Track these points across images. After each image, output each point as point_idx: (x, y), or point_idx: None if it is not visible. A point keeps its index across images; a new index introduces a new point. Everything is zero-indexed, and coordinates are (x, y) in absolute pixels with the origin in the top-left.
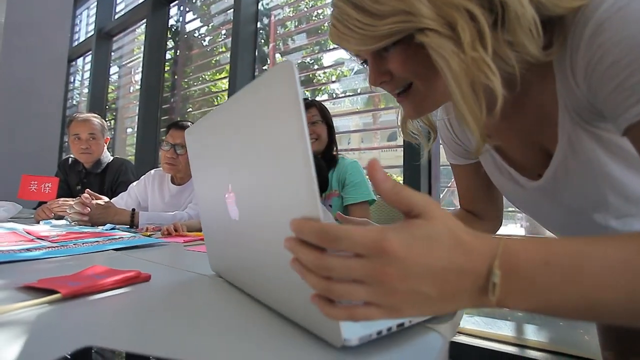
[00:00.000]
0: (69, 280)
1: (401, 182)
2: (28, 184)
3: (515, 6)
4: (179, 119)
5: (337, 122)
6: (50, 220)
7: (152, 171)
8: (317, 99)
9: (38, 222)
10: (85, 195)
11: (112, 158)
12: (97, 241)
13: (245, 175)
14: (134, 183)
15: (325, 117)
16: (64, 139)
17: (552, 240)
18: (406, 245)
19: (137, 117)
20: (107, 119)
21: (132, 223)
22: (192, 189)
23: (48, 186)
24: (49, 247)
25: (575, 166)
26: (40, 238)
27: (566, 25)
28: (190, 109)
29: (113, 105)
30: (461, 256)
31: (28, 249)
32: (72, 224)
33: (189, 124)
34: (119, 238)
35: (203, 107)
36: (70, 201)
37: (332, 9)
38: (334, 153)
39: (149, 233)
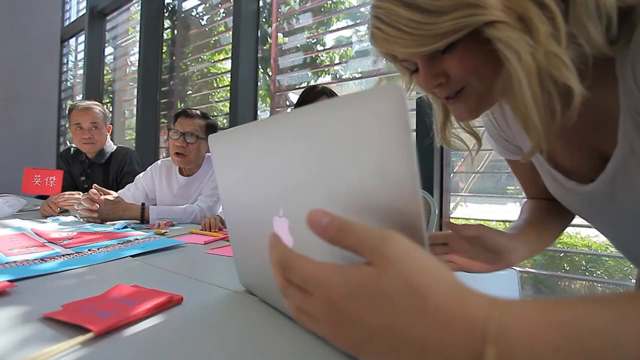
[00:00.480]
0: (97, 309)
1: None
2: (31, 177)
3: None
4: (183, 106)
5: None
6: (58, 217)
7: (159, 162)
8: (321, 81)
9: (45, 217)
10: (93, 190)
11: (115, 147)
12: (111, 245)
13: (313, 203)
14: (141, 174)
15: None
16: (61, 122)
17: (565, 311)
18: (350, 298)
19: (135, 100)
20: (104, 102)
21: (142, 218)
22: (201, 180)
23: (52, 179)
24: (64, 255)
25: (636, 168)
26: (52, 241)
27: (633, 22)
28: (190, 92)
29: (109, 88)
30: (426, 327)
31: (42, 259)
32: (81, 220)
33: (198, 112)
34: (134, 240)
35: (203, 90)
36: (76, 194)
37: (371, 10)
38: None
39: (162, 230)
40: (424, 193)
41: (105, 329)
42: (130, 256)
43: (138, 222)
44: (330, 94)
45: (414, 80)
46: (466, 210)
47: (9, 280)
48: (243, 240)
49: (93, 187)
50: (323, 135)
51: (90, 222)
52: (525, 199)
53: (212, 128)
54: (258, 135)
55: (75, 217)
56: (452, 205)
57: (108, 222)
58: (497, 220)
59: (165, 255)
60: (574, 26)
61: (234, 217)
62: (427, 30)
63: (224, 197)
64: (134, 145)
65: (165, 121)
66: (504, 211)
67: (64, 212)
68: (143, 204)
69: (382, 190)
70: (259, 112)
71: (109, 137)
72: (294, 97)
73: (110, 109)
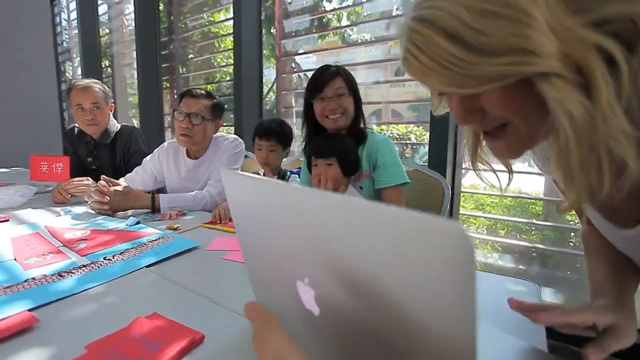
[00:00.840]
0: (122, 354)
1: (427, 137)
2: (38, 164)
3: None
4: (184, 71)
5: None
6: (70, 209)
7: (165, 144)
8: (328, 44)
9: (57, 204)
10: (102, 182)
11: (119, 126)
12: (126, 251)
13: (352, 295)
14: (148, 157)
15: (352, 87)
16: (62, 86)
17: None
18: None
19: (135, 63)
20: (104, 67)
21: (153, 208)
22: (209, 162)
23: (60, 166)
24: (80, 268)
25: None
26: (66, 244)
27: None
28: (192, 55)
29: (108, 51)
30: None
31: (59, 274)
32: (93, 212)
33: (203, 92)
34: (148, 243)
35: (205, 53)
36: (85, 180)
37: (405, 30)
38: (362, 127)
39: (174, 225)
40: (435, 174)
41: None
42: (146, 266)
43: (149, 211)
44: (345, 74)
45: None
46: (475, 181)
47: (30, 309)
48: (263, 284)
49: (101, 178)
50: (381, 238)
51: (102, 214)
52: (582, 227)
53: (218, 108)
54: (289, 197)
55: (87, 207)
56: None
57: (119, 213)
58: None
59: (179, 262)
60: None
61: (250, 250)
62: (470, 70)
63: (238, 226)
64: (139, 112)
65: (168, 85)
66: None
67: (72, 196)
68: (153, 193)
69: (432, 318)
70: (264, 72)
71: (111, 115)
72: (301, 62)
73: (110, 72)
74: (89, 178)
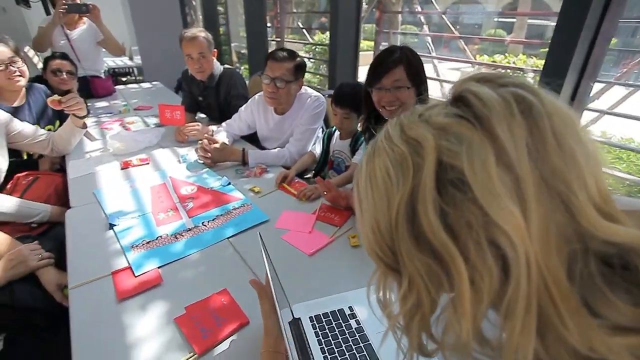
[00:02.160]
0: (200, 324)
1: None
2: (163, 111)
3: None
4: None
5: None
6: (186, 156)
7: (256, 96)
8: None
9: (179, 142)
10: (205, 142)
11: (222, 69)
12: (217, 217)
13: None
14: (243, 108)
15: (415, 78)
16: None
17: None
18: None
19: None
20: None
21: (243, 161)
22: (292, 118)
23: (177, 113)
24: (187, 231)
25: None
26: (181, 200)
27: None
28: None
29: None
30: None
31: (175, 236)
32: (200, 161)
33: (285, 54)
34: (232, 210)
35: None
36: (196, 126)
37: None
38: None
39: (257, 189)
40: None
41: (202, 351)
42: (228, 238)
43: (240, 164)
44: (408, 63)
45: None
46: None
47: (158, 267)
48: None
49: (205, 137)
50: None
51: (207, 166)
52: None
53: (300, 68)
54: None
55: (198, 160)
56: None
57: (218, 163)
58: None
59: (251, 235)
60: None
61: None
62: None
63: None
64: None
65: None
66: None
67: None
68: (244, 150)
69: None
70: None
71: (215, 60)
72: None
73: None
74: (199, 123)
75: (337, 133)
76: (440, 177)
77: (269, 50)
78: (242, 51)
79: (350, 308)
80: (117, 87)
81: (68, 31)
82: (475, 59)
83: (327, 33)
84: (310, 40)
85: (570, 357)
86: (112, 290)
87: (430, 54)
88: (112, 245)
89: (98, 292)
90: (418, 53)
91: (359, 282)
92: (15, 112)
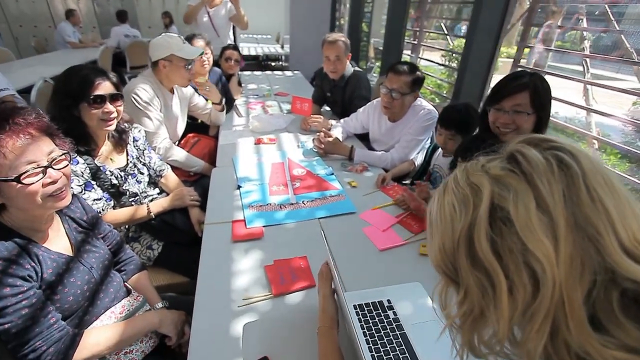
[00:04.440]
0: (282, 274)
1: None
2: (295, 102)
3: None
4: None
5: None
6: (304, 143)
7: (375, 101)
8: None
9: (303, 130)
10: (321, 134)
11: (352, 71)
12: (315, 199)
13: None
14: (361, 109)
15: (538, 106)
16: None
17: None
18: None
19: None
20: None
21: (350, 156)
22: (403, 127)
23: (306, 105)
24: (292, 204)
25: None
26: (292, 179)
27: None
28: None
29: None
30: None
31: (281, 206)
32: (314, 149)
33: (406, 68)
34: (329, 197)
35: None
36: (319, 118)
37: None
38: None
39: (354, 183)
40: None
41: (278, 293)
42: (319, 218)
43: (346, 159)
44: (535, 89)
45: None
46: None
47: (263, 226)
48: None
49: (322, 131)
50: None
51: (319, 155)
52: None
53: (417, 82)
54: None
55: (313, 149)
56: None
57: (329, 154)
58: None
59: (338, 221)
60: None
61: None
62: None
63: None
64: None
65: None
66: None
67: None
68: (352, 147)
69: None
70: None
71: (348, 62)
72: None
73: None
74: (322, 116)
75: (440, 149)
76: (492, 214)
77: (402, 51)
78: (380, 48)
79: (389, 301)
80: (265, 72)
81: (209, 9)
82: None
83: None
84: (451, 45)
85: (572, 357)
86: (229, 233)
87: (583, 74)
88: (236, 201)
89: (221, 232)
90: (568, 71)
91: (412, 281)
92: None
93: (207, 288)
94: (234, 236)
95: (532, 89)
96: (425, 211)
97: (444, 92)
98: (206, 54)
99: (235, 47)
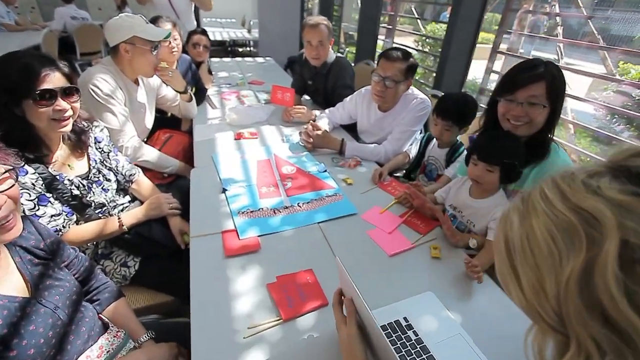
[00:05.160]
0: (288, 293)
1: None
2: (276, 92)
3: None
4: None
5: None
6: (290, 137)
7: (363, 90)
8: None
9: (285, 121)
10: (309, 127)
11: (334, 57)
12: (311, 201)
13: None
14: (347, 98)
15: (554, 97)
16: (303, 15)
17: None
18: None
19: None
20: None
21: (340, 151)
22: (394, 117)
23: (287, 95)
24: (285, 208)
25: None
26: (282, 179)
27: None
28: None
29: None
30: None
31: (274, 211)
32: (301, 144)
33: (399, 54)
34: (325, 197)
35: None
36: (301, 109)
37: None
38: (547, 140)
39: (349, 180)
40: None
41: (288, 317)
42: (318, 223)
43: (336, 153)
44: (552, 79)
45: None
46: None
47: (258, 235)
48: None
49: (309, 124)
50: None
51: (307, 150)
52: None
53: (411, 69)
54: None
55: (300, 143)
56: None
57: (317, 148)
58: None
59: (339, 224)
60: None
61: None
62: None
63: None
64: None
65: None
66: None
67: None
68: (342, 140)
69: None
70: None
71: (330, 48)
72: None
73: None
74: (305, 107)
75: (435, 139)
76: (624, 256)
77: (378, 36)
78: (350, 32)
79: (406, 319)
80: (235, 58)
81: None
82: (617, 69)
83: (440, 25)
84: (423, 30)
85: None
86: (221, 245)
87: (558, 60)
88: (223, 208)
89: (211, 245)
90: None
91: (437, 293)
92: None
93: (204, 317)
94: (226, 251)
95: (549, 79)
96: (431, 209)
97: (418, 77)
98: (175, 38)
99: (203, 32)
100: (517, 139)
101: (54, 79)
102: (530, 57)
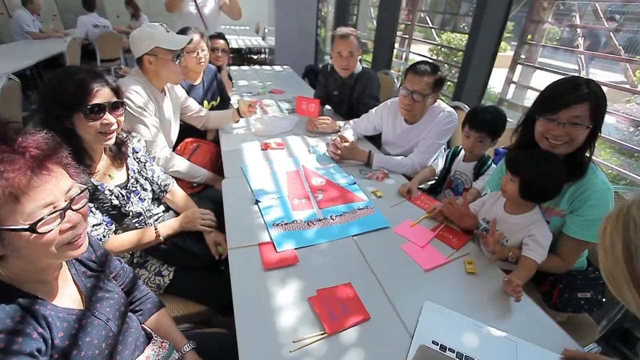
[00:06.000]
0: (330, 307)
1: None
2: (300, 103)
3: None
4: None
5: None
6: (316, 148)
7: (389, 102)
8: None
9: (309, 132)
10: (337, 139)
11: (361, 69)
12: (344, 214)
13: None
14: (373, 110)
15: (596, 118)
16: (317, 22)
17: None
18: None
19: None
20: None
21: (368, 162)
22: (421, 130)
23: (312, 106)
24: (318, 221)
25: None
26: (312, 190)
27: None
28: None
29: None
30: None
31: (308, 223)
32: (328, 155)
33: (428, 68)
34: (357, 210)
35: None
36: (326, 119)
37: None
38: (585, 159)
39: (379, 193)
40: None
41: (332, 332)
42: (353, 236)
43: (363, 165)
44: (597, 100)
45: None
46: None
47: (295, 248)
48: None
49: (337, 135)
50: None
51: (334, 161)
52: None
53: (439, 82)
54: None
55: (327, 154)
56: None
57: (345, 160)
58: None
59: (373, 237)
60: None
61: None
62: None
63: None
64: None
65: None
66: None
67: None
68: (370, 152)
69: None
70: None
71: (358, 60)
72: None
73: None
74: (329, 118)
75: (461, 153)
76: None
77: (394, 45)
78: (363, 41)
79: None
80: (254, 66)
81: None
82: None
83: (455, 34)
84: (437, 39)
85: None
86: (259, 257)
87: (579, 72)
88: (257, 219)
89: (248, 257)
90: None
91: (475, 310)
92: (193, 89)
93: (249, 331)
94: (265, 263)
95: (593, 100)
96: (471, 219)
97: None
98: (202, 49)
99: (221, 36)
100: (554, 162)
101: (103, 94)
102: (553, 69)
